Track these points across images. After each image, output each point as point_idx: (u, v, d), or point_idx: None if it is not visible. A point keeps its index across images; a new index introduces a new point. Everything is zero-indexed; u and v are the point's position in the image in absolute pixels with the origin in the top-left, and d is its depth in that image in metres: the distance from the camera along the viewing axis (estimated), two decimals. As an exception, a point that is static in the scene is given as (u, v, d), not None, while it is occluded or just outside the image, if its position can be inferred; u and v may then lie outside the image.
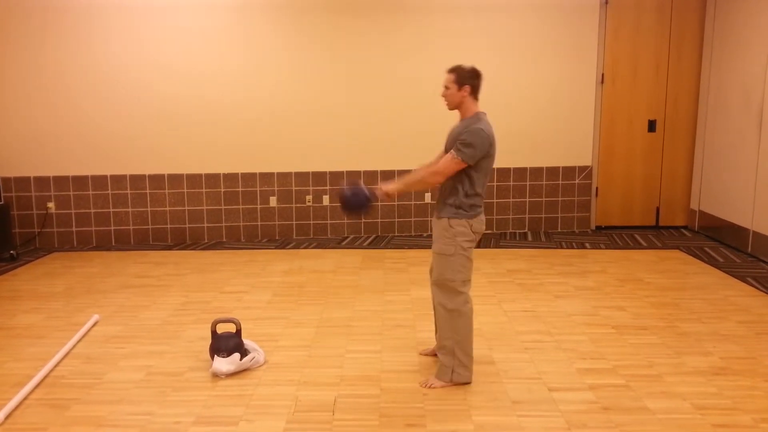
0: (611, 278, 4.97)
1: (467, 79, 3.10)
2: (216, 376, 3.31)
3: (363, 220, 6.46)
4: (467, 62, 6.64)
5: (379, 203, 3.14)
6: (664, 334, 3.83)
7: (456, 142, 3.02)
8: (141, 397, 3.11)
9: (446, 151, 3.15)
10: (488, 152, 3.03)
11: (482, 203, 3.14)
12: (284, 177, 6.37)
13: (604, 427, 2.78)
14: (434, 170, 3.05)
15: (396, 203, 6.43)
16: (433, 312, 3.40)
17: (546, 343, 3.70)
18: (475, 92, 3.12)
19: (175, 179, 6.29)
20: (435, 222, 3.17)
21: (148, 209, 6.31)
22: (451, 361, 3.15)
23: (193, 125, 6.22)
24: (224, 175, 6.32)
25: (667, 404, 2.96)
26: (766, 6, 5.33)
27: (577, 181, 6.55)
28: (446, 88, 3.13)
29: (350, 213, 3.17)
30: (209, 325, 3.98)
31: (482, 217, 3.14)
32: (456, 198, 3.07)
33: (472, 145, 2.97)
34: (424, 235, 6.48)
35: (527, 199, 6.56)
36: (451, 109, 3.18)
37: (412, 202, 6.46)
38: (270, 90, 6.22)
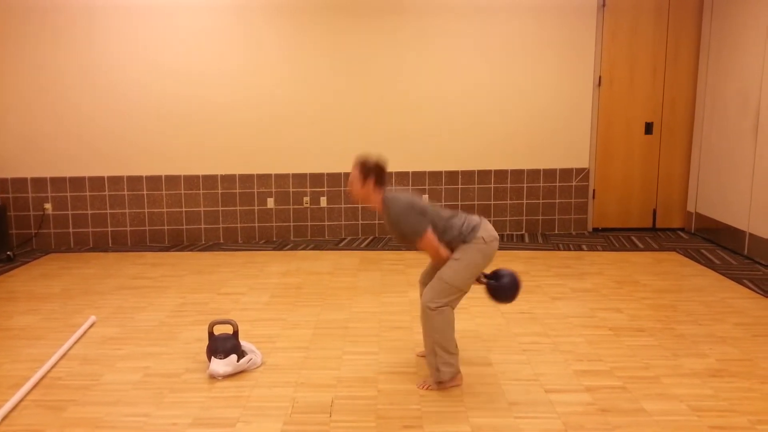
0: (608, 280, 4.98)
1: (370, 171, 3.12)
2: (213, 377, 3.31)
3: (360, 222, 6.47)
4: (465, 65, 6.64)
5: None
6: (661, 336, 3.83)
7: (404, 237, 3.10)
8: (138, 398, 3.11)
9: (395, 237, 3.20)
10: (419, 209, 3.06)
11: (466, 220, 3.13)
12: (282, 178, 6.37)
13: (601, 428, 2.78)
14: (432, 255, 3.14)
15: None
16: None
17: (543, 345, 3.71)
18: (378, 182, 3.14)
19: (173, 180, 6.28)
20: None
21: (146, 210, 6.30)
22: (434, 360, 3.13)
23: (190, 126, 6.21)
24: (222, 176, 6.32)
25: (663, 406, 2.97)
26: (763, 9, 5.35)
27: (574, 183, 6.56)
28: (351, 185, 3.17)
29: (512, 295, 3.24)
30: (206, 327, 3.97)
31: (486, 225, 3.14)
32: (453, 243, 3.10)
33: (409, 224, 3.04)
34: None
35: (524, 201, 6.57)
36: (362, 203, 3.22)
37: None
38: (268, 91, 6.22)
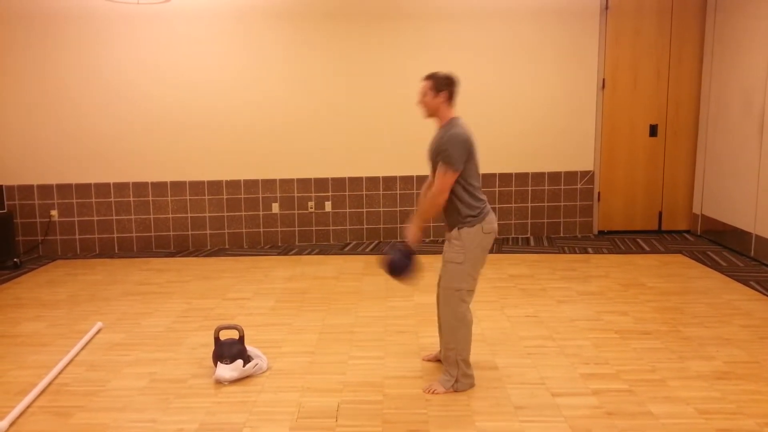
0: (614, 283, 4.97)
1: (444, 85, 3.12)
2: (219, 382, 3.31)
3: (365, 226, 6.47)
4: (469, 69, 6.67)
5: (416, 249, 3.23)
6: (667, 338, 3.82)
7: (439, 156, 3.05)
8: (144, 404, 3.11)
9: (430, 161, 3.18)
10: (469, 153, 3.05)
11: (485, 204, 3.15)
12: (286, 183, 6.39)
13: (607, 432, 2.78)
14: (435, 191, 3.08)
15: (398, 209, 6.43)
16: (437, 318, 3.41)
17: (549, 349, 3.70)
18: (451, 98, 3.14)
19: (178, 186, 6.31)
20: (447, 235, 3.20)
21: (151, 216, 6.32)
22: (455, 371, 3.16)
23: (195, 132, 6.24)
24: (227, 182, 6.34)
25: (670, 409, 2.96)
26: (767, 11, 5.34)
27: (579, 186, 6.56)
28: (423, 95, 3.16)
29: (403, 275, 3.22)
30: (212, 332, 3.98)
31: (491, 216, 3.15)
32: (460, 210, 3.09)
33: (454, 153, 3.00)
34: (426, 240, 6.48)
35: (529, 204, 6.56)
36: (427, 116, 3.21)
37: (413, 208, 6.46)
38: (272, 97, 6.24)
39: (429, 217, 3.18)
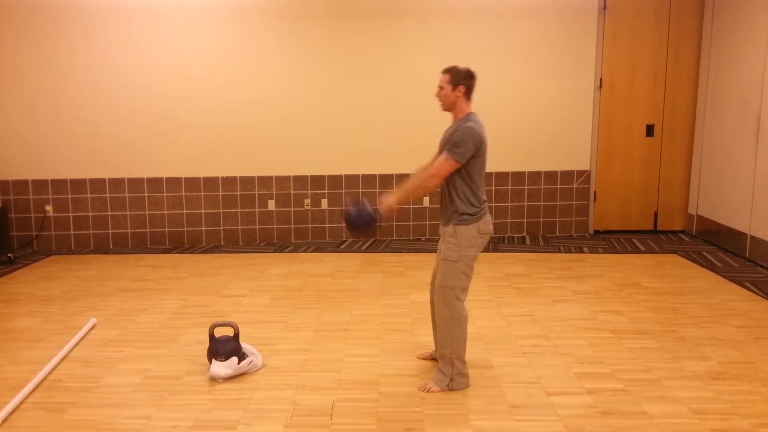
0: (609, 282, 4.97)
1: (462, 79, 3.11)
2: (214, 380, 3.31)
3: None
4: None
5: (384, 220, 3.15)
6: (663, 338, 3.83)
7: (448, 143, 3.03)
8: (138, 401, 3.10)
9: (440, 152, 3.16)
10: (479, 150, 3.03)
11: (484, 205, 3.13)
12: (283, 180, 6.37)
13: (602, 431, 2.78)
14: (430, 174, 3.06)
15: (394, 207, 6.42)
16: (431, 317, 3.41)
17: (544, 348, 3.70)
18: (468, 93, 3.14)
19: (174, 183, 6.29)
20: (441, 229, 3.19)
21: (146, 212, 6.30)
22: (450, 370, 3.15)
23: (191, 129, 6.22)
24: (222, 178, 6.32)
25: (665, 409, 2.97)
26: (764, 11, 5.35)
27: (575, 186, 6.56)
28: (440, 88, 3.15)
29: (356, 232, 3.17)
30: (207, 329, 3.97)
31: (488, 217, 3.14)
32: (458, 205, 3.08)
33: (462, 144, 2.98)
34: (422, 239, 6.48)
35: (525, 204, 6.56)
36: (444, 109, 3.19)
37: (411, 206, 6.46)
38: (268, 93, 6.22)
39: (414, 196, 3.14)
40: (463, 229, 3.07)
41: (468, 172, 3.05)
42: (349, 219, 3.13)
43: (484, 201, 3.13)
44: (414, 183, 3.14)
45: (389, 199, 3.14)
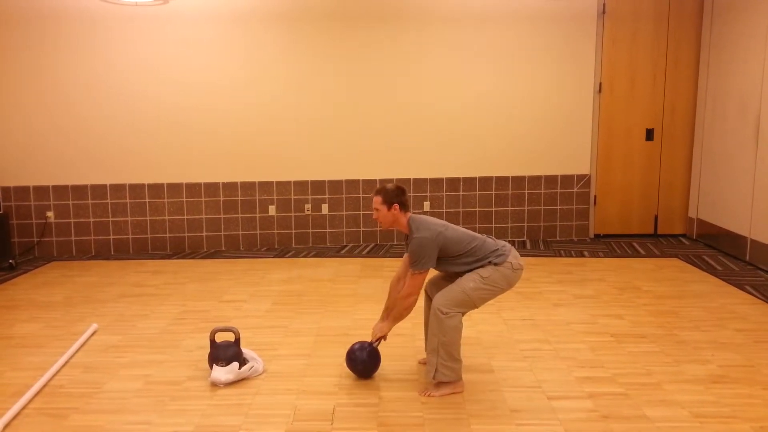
0: (610, 286, 4.97)
1: (394, 197, 3.19)
2: (215, 385, 3.31)
3: (361, 229, 6.48)
4: (466, 72, 6.65)
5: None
6: (663, 342, 3.83)
7: (410, 257, 3.13)
8: (140, 406, 3.11)
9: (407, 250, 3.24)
10: (439, 245, 3.09)
11: (498, 245, 3.18)
12: (283, 186, 6.38)
13: (603, 435, 2.78)
14: (404, 294, 3.15)
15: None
16: (423, 321, 3.44)
17: (545, 352, 3.71)
18: (402, 207, 3.20)
19: (175, 188, 6.30)
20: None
21: (147, 218, 6.31)
22: (435, 359, 3.13)
23: (192, 134, 6.23)
24: (223, 184, 6.34)
25: (665, 412, 2.97)
26: (763, 15, 5.36)
27: (575, 190, 6.57)
28: (376, 210, 3.22)
29: (361, 373, 3.37)
30: (208, 334, 3.96)
31: (514, 252, 3.19)
32: (470, 265, 3.13)
33: (420, 256, 3.07)
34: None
35: (526, 208, 6.57)
36: (386, 228, 3.28)
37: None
38: (269, 99, 6.24)
39: (403, 318, 3.24)
40: (493, 269, 3.11)
41: (446, 255, 3.13)
42: (357, 367, 3.34)
43: (495, 248, 3.16)
44: (398, 311, 3.20)
45: (384, 330, 3.28)
